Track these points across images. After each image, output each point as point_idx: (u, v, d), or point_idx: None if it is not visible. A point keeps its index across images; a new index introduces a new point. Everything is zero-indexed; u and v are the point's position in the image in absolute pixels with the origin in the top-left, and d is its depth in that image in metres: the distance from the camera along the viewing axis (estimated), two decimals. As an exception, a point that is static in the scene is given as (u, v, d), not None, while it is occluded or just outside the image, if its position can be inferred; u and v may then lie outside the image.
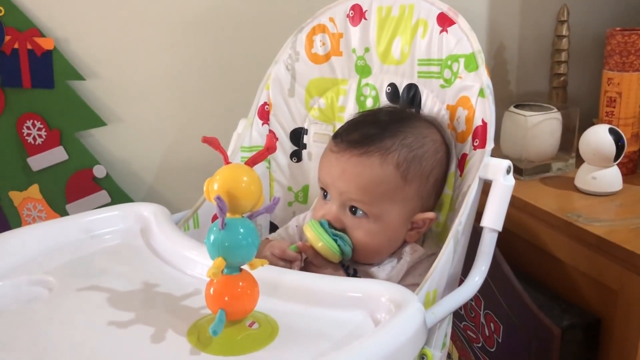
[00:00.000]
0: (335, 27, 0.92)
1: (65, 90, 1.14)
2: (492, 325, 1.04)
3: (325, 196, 0.80)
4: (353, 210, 0.78)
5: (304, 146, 0.97)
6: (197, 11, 1.18)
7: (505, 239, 0.84)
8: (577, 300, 1.00)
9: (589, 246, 0.95)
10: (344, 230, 0.78)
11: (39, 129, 1.14)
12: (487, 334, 1.06)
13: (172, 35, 1.18)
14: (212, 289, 0.57)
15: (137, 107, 1.19)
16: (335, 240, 0.76)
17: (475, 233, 0.76)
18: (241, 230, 0.56)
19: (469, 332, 1.11)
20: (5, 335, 0.60)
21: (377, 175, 0.76)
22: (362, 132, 0.78)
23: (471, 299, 1.08)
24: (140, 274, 0.70)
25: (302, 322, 0.61)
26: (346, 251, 0.77)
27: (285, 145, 0.97)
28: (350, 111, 0.93)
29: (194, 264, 0.70)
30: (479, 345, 1.09)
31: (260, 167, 0.95)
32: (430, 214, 0.80)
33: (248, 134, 0.94)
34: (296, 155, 0.97)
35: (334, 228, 0.78)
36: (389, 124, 0.79)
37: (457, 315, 1.13)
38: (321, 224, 0.77)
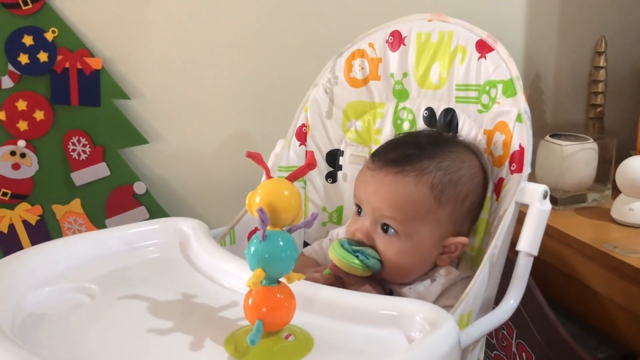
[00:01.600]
0: (374, 52, 0.94)
1: (111, 108, 1.18)
2: (524, 355, 1.03)
3: (359, 212, 0.82)
4: (385, 228, 0.78)
5: (340, 167, 0.98)
6: (238, 36, 1.22)
7: (539, 268, 0.83)
8: (612, 332, 0.98)
9: (625, 277, 0.94)
10: (373, 247, 0.79)
11: (84, 145, 1.19)
12: (519, 364, 1.04)
13: (213, 58, 1.22)
14: (250, 300, 0.58)
15: (177, 126, 1.23)
16: (357, 256, 0.77)
17: (509, 262, 0.76)
18: (281, 242, 0.57)
19: (500, 362, 1.10)
20: (48, 339, 0.62)
21: (410, 194, 0.77)
22: (400, 152, 0.80)
23: (503, 328, 1.07)
24: (179, 285, 0.71)
25: (336, 337, 0.62)
26: (370, 264, 0.77)
27: (321, 166, 0.98)
28: (386, 134, 0.95)
29: (232, 276, 0.71)
30: (511, 375, 1.07)
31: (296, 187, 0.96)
32: (462, 239, 0.79)
33: (285, 154, 0.96)
34: (331, 176, 0.99)
35: (362, 244, 0.79)
36: (428, 146, 0.81)
37: (489, 344, 1.11)
38: (341, 244, 0.78)
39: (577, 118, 1.39)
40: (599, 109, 1.31)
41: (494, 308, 0.72)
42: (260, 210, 0.56)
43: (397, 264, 0.78)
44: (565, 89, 1.38)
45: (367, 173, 0.81)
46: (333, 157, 0.98)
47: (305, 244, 0.99)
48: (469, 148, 0.84)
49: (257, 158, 0.61)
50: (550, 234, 1.06)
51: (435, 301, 0.77)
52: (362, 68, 0.95)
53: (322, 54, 1.01)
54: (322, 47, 1.10)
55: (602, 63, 1.29)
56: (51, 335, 0.62)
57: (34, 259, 0.72)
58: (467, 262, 0.84)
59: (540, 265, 0.82)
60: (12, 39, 1.13)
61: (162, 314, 0.65)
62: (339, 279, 0.78)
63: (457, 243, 0.79)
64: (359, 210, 0.81)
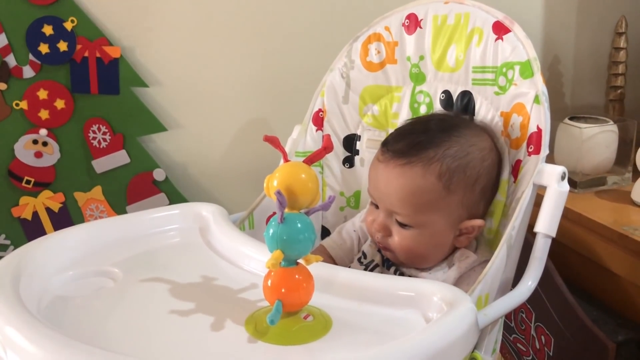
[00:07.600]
0: (390, 36, 0.94)
1: (130, 96, 1.19)
2: (543, 338, 1.03)
3: (376, 205, 0.82)
4: (399, 220, 0.79)
5: (357, 152, 0.99)
6: (254, 23, 1.22)
7: (558, 251, 0.83)
8: (633, 315, 0.98)
9: (646, 260, 0.93)
10: (391, 237, 0.79)
11: (104, 133, 1.20)
12: (538, 347, 1.04)
13: (230, 45, 1.22)
14: (269, 281, 0.59)
15: (195, 113, 1.24)
16: None
17: (528, 247, 0.76)
18: (299, 225, 0.58)
19: (519, 345, 1.10)
20: (72, 320, 0.63)
21: (418, 186, 0.78)
22: (407, 142, 0.80)
23: (522, 311, 1.07)
24: (200, 268, 0.73)
25: (354, 318, 0.62)
26: None
27: (338, 151, 0.99)
28: (403, 118, 0.95)
29: (251, 259, 0.72)
30: (529, 358, 1.07)
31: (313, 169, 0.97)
32: (478, 221, 0.80)
33: (302, 139, 0.97)
34: (349, 161, 0.99)
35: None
36: (436, 132, 0.80)
37: (507, 328, 1.12)
38: None
39: (597, 100, 1.37)
40: (619, 91, 1.29)
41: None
42: (278, 193, 0.57)
43: (412, 249, 0.79)
44: (585, 71, 1.37)
45: (378, 166, 0.82)
46: (350, 142, 0.99)
47: (323, 228, 0.99)
48: (482, 129, 0.83)
49: (274, 142, 0.62)
50: (570, 217, 1.05)
51: (454, 285, 0.78)
52: (379, 52, 0.95)
53: (338, 38, 1.01)
54: (338, 32, 1.10)
55: (622, 44, 1.27)
56: (75, 317, 0.64)
57: (58, 244, 0.74)
58: (485, 246, 0.84)
59: (559, 248, 0.82)
60: (32, 29, 1.15)
61: (183, 296, 0.66)
62: None
63: (473, 226, 0.80)
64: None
